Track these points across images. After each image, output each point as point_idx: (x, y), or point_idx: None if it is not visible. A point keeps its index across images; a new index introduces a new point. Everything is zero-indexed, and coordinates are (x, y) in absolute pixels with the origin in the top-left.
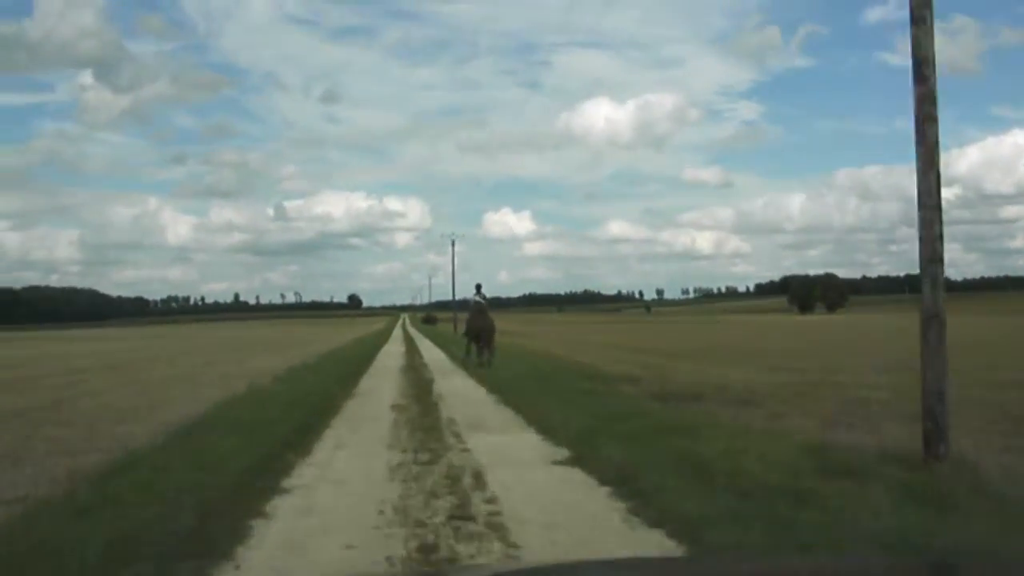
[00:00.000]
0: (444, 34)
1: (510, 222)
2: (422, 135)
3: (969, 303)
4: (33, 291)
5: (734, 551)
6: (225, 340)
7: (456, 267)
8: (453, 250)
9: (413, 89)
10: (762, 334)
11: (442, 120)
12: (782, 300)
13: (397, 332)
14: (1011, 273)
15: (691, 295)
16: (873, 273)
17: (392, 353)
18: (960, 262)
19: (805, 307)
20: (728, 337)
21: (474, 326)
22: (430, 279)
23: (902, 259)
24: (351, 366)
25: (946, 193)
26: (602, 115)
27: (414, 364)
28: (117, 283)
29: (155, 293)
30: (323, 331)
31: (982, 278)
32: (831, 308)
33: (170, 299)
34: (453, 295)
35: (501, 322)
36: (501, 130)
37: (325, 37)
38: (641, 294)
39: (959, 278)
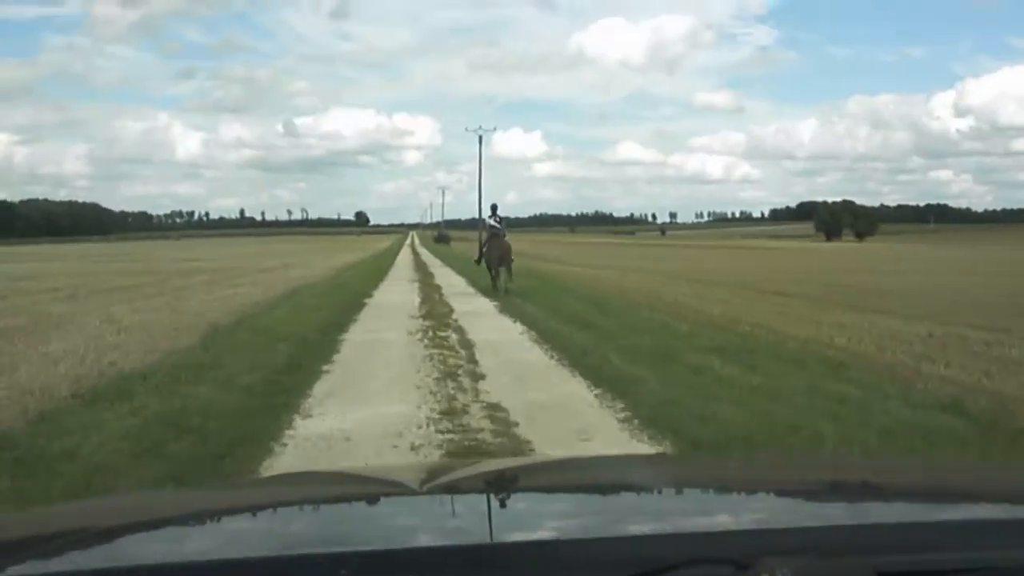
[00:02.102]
0: None
1: (520, 142)
2: (433, 53)
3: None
4: (31, 204)
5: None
6: (140, 268)
7: (465, 186)
8: (481, 148)
9: (425, 6)
10: (866, 266)
11: (454, 38)
12: (801, 226)
13: (404, 257)
14: (1019, 205)
15: (704, 219)
16: (885, 201)
17: (388, 326)
18: (971, 193)
19: (832, 234)
20: (845, 272)
21: (492, 254)
22: (443, 192)
23: (911, 188)
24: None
25: (959, 124)
26: (616, 36)
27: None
28: (126, 198)
29: (163, 208)
30: (309, 252)
31: (1003, 210)
32: (860, 236)
33: (174, 214)
34: (480, 203)
35: (519, 243)
36: (513, 49)
37: None
38: (654, 216)
39: (980, 209)
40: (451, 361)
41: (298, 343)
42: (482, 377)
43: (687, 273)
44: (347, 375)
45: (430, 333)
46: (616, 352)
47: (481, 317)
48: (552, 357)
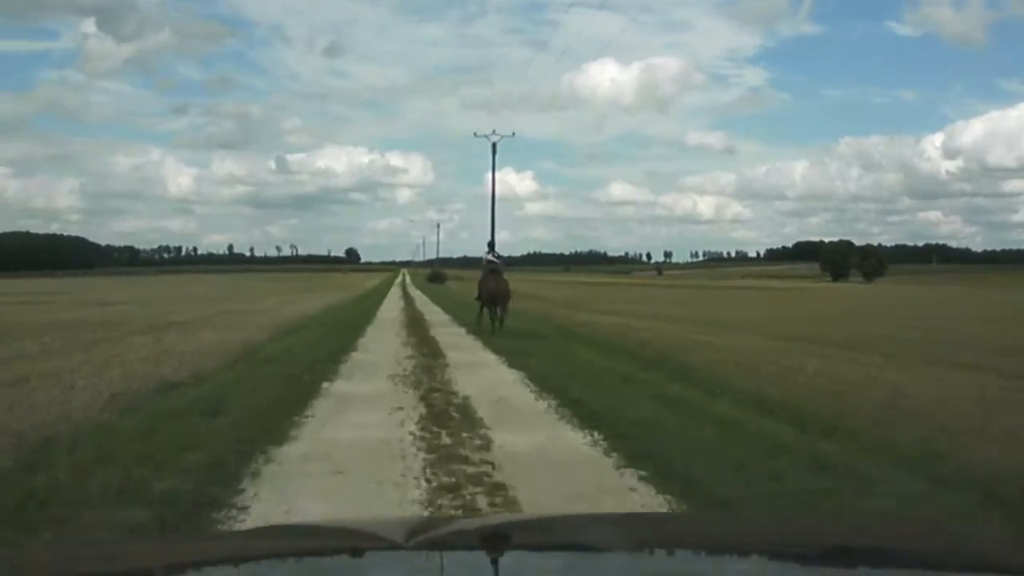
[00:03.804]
0: None
1: (512, 181)
2: (426, 91)
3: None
4: (11, 237)
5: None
6: None
7: (456, 225)
8: (494, 157)
9: (418, 45)
10: (960, 313)
11: (447, 77)
12: (801, 266)
13: (392, 305)
14: (1010, 246)
15: (700, 258)
16: (876, 242)
17: None
18: (960, 234)
19: (838, 275)
20: (967, 321)
21: (487, 289)
22: (438, 227)
23: (902, 229)
24: None
25: (949, 165)
26: (607, 77)
27: None
28: (117, 233)
29: (152, 243)
30: (277, 293)
31: (1002, 251)
32: (868, 277)
33: (161, 249)
34: (492, 222)
35: (518, 284)
36: (505, 89)
37: None
38: (648, 256)
39: (978, 250)
40: None
41: None
42: None
43: (783, 332)
44: None
45: None
46: None
47: None
48: None
